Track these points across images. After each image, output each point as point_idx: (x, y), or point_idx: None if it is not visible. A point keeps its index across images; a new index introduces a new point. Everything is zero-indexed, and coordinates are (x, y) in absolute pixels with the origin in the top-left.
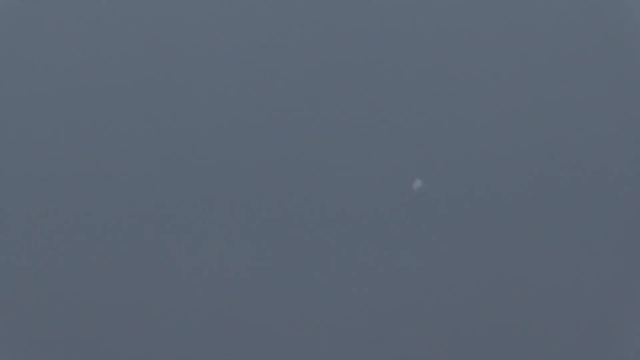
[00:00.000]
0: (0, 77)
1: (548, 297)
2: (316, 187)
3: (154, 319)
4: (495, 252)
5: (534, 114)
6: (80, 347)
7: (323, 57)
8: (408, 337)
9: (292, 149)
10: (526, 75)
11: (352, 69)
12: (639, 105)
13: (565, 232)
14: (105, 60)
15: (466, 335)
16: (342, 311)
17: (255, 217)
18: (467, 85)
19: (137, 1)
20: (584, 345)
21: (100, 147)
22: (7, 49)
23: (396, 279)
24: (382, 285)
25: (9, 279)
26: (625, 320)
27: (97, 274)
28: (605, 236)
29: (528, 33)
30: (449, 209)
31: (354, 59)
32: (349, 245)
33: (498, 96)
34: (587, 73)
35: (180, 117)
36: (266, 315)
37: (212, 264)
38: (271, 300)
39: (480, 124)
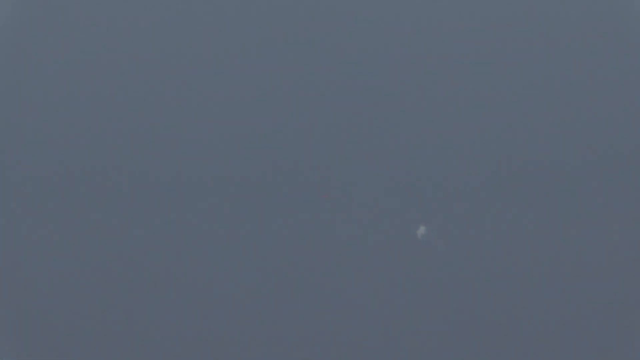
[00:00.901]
0: (5, 82)
1: (549, 298)
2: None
3: (153, 318)
4: (497, 253)
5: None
6: (80, 347)
7: (325, 74)
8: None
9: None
10: (532, 80)
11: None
12: (638, 106)
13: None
14: (105, 67)
15: (466, 335)
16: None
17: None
18: (468, 93)
19: (137, 6)
20: (590, 345)
21: (103, 149)
22: (12, 55)
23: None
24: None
25: (9, 279)
26: (626, 321)
27: (97, 275)
28: (606, 238)
29: (530, 34)
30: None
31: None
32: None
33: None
34: (587, 73)
35: (184, 123)
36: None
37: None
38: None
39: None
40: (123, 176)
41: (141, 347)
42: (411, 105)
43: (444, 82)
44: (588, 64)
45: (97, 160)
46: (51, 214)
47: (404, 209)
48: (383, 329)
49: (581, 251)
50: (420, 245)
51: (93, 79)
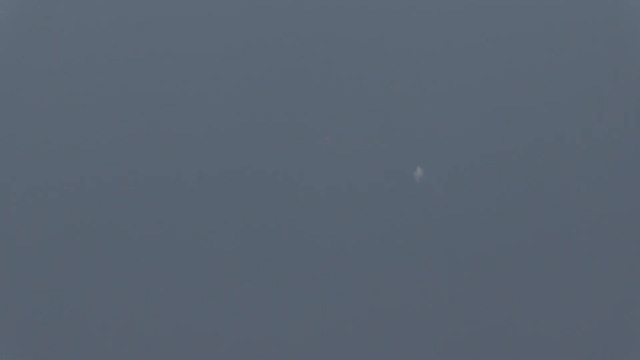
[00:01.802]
0: (5, 82)
1: (551, 300)
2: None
3: (152, 318)
4: (496, 254)
5: (534, 115)
6: (80, 347)
7: (321, 64)
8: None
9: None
10: (528, 77)
11: (352, 67)
12: (638, 106)
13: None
14: (103, 68)
15: (466, 337)
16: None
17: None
18: (466, 86)
19: (134, 7)
20: (590, 346)
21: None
22: (11, 55)
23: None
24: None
25: (8, 280)
26: (627, 322)
27: (97, 277)
28: (607, 242)
29: (529, 35)
30: (451, 208)
31: (353, 59)
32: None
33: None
34: (586, 74)
35: (180, 123)
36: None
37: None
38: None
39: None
40: (122, 174)
41: (140, 347)
42: (409, 54)
43: (443, 33)
44: (586, 60)
45: (96, 160)
46: (48, 213)
47: (400, 151)
48: (383, 278)
49: (585, 199)
50: (418, 189)
51: (88, 78)
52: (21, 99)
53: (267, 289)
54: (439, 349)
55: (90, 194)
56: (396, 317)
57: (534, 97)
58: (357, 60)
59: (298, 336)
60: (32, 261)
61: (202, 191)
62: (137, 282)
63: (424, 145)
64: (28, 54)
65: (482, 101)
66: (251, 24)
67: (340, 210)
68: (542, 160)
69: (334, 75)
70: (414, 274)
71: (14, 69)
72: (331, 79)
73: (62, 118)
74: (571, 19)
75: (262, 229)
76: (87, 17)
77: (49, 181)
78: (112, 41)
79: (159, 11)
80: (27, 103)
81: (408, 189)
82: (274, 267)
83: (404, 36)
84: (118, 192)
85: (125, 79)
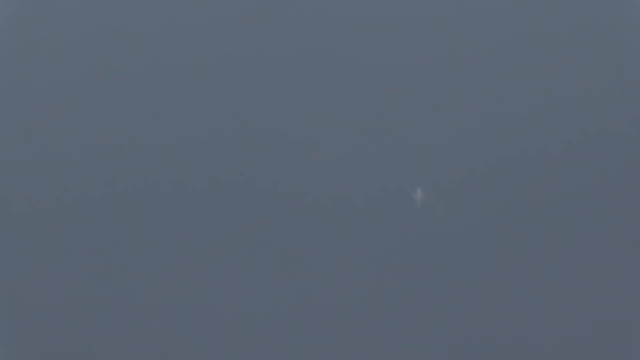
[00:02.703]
0: (5, 82)
1: (559, 270)
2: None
3: (151, 317)
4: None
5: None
6: (79, 348)
7: (322, 69)
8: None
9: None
10: (528, 78)
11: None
12: (637, 106)
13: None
14: (102, 69)
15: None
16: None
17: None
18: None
19: (137, 7)
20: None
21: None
22: (10, 53)
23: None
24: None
25: (8, 280)
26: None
27: (97, 278)
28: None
29: (529, 37)
30: (450, 219)
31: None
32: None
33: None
34: (586, 74)
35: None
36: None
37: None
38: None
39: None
40: (122, 177)
41: (140, 347)
42: (406, 63)
43: (444, 40)
44: (586, 59)
45: (96, 161)
46: (47, 215)
47: (400, 170)
48: (379, 298)
49: (591, 216)
50: (419, 210)
51: (88, 81)
52: (20, 98)
53: (259, 313)
54: None
55: (85, 194)
56: (396, 344)
57: (540, 107)
58: (350, 70)
59: None
60: (31, 261)
61: (188, 207)
62: (136, 281)
63: (423, 161)
64: (27, 52)
65: (485, 113)
66: (243, 34)
67: (333, 230)
68: (552, 172)
69: (325, 86)
70: (417, 297)
71: (14, 67)
72: (323, 89)
73: (55, 128)
74: (569, 24)
75: (252, 251)
76: (76, 31)
77: (47, 183)
78: (106, 51)
79: (166, 11)
80: (26, 102)
81: (407, 208)
82: (266, 291)
83: (400, 47)
84: (117, 193)
85: (110, 95)
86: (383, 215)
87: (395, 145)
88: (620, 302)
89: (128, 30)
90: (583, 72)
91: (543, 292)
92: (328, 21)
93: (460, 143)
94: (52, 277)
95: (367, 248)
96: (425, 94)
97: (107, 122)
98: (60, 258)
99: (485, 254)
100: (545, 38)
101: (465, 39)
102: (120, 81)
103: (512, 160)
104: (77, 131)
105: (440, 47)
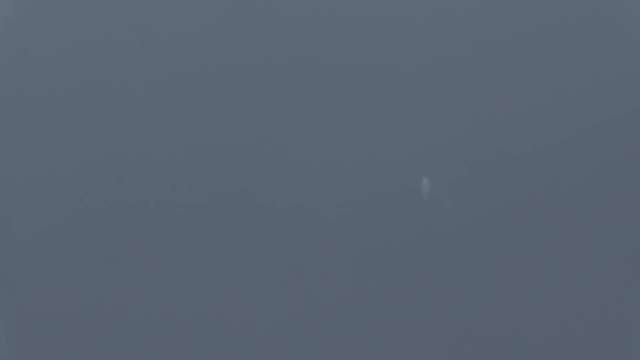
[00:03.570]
0: (5, 82)
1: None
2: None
3: (152, 316)
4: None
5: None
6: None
7: (321, 64)
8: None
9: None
10: (528, 77)
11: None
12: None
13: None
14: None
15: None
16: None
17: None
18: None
19: (137, 8)
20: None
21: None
22: (10, 52)
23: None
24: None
25: (9, 280)
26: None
27: (97, 279)
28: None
29: (528, 35)
30: (457, 215)
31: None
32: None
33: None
34: (585, 75)
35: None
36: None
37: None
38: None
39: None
40: (124, 185)
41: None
42: (411, 54)
43: (451, 35)
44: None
45: (95, 161)
46: (46, 214)
47: (406, 164)
48: (386, 291)
49: (591, 215)
50: (425, 201)
51: (88, 81)
52: (20, 99)
53: (264, 312)
54: None
55: (85, 194)
56: (402, 339)
57: (542, 100)
58: (350, 66)
59: None
60: (31, 261)
61: (187, 214)
62: (136, 279)
63: (428, 154)
64: (27, 53)
65: (489, 106)
66: (239, 36)
67: (336, 230)
68: (558, 164)
69: (326, 86)
70: (423, 293)
71: (14, 67)
72: (323, 89)
73: (60, 117)
74: (570, 24)
75: (254, 251)
76: (89, 16)
77: (46, 180)
78: (103, 62)
79: (167, 12)
80: (25, 102)
81: (414, 202)
82: (270, 288)
83: (401, 43)
84: (117, 193)
85: (123, 81)
86: (390, 210)
87: (402, 140)
88: (620, 302)
89: (125, 41)
90: (587, 69)
91: (547, 286)
92: (331, 22)
93: (466, 137)
94: (53, 284)
95: (370, 248)
96: (428, 90)
97: (107, 132)
98: (62, 266)
99: (489, 247)
100: (549, 35)
101: (471, 35)
102: (119, 92)
103: (518, 153)
104: (78, 141)
105: (447, 42)
